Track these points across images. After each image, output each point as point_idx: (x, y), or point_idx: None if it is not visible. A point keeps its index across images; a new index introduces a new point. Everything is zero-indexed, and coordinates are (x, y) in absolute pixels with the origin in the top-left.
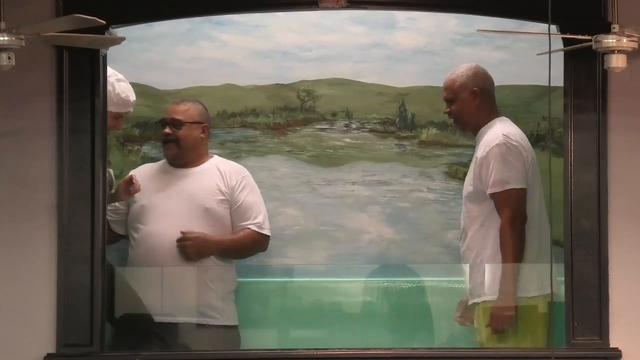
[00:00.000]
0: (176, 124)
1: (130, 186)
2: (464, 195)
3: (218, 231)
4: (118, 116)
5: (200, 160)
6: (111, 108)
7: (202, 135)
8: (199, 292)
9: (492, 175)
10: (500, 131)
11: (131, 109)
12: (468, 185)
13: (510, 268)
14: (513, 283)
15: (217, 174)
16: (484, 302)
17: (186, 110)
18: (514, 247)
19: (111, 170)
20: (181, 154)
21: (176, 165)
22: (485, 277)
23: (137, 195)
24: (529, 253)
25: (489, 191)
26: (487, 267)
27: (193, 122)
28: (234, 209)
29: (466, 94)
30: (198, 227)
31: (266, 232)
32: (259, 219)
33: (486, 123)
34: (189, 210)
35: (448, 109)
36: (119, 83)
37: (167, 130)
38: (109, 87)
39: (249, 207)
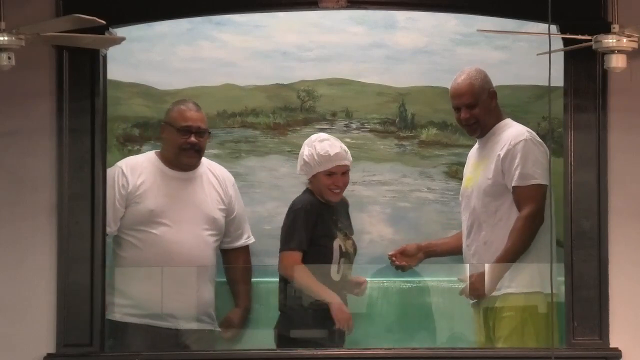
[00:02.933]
0: (201, 132)
1: (359, 287)
2: (481, 189)
3: (219, 240)
4: (330, 173)
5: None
6: (319, 169)
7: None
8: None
9: (519, 168)
10: (523, 128)
11: (337, 163)
12: (485, 179)
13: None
14: (501, 276)
15: (214, 180)
16: (505, 294)
17: (204, 118)
18: (522, 243)
19: None
20: (198, 162)
21: (176, 167)
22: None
23: (142, 197)
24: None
25: (514, 184)
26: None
27: (208, 128)
28: (230, 218)
29: (485, 95)
30: (209, 236)
31: (252, 239)
32: (249, 234)
33: (496, 123)
34: (200, 219)
35: (468, 114)
36: (321, 143)
37: (193, 139)
38: (312, 150)
39: (242, 219)
